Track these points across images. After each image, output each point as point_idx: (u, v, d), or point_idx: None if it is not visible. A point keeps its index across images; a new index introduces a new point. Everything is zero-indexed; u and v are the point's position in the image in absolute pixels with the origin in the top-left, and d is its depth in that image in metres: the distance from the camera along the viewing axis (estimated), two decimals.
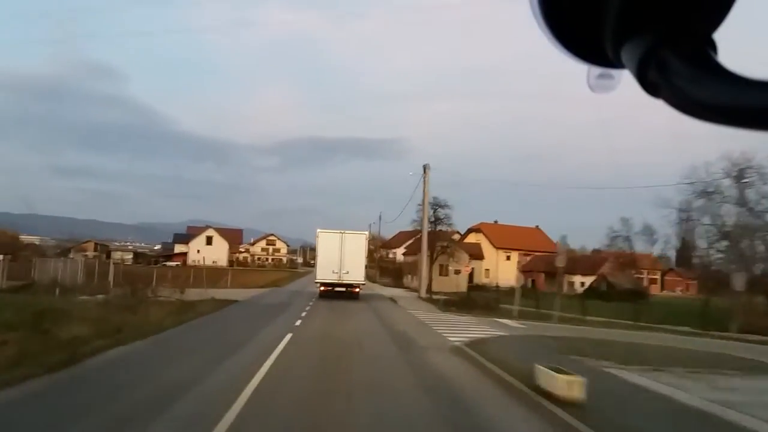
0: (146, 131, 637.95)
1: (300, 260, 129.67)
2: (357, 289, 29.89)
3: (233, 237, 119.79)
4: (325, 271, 29.46)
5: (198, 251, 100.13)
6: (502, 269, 54.86)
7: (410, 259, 53.16)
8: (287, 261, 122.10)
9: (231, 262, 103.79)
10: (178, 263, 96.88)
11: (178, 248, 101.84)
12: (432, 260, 43.43)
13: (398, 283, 53.61)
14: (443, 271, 44.83)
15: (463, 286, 44.54)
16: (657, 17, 0.62)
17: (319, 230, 30.24)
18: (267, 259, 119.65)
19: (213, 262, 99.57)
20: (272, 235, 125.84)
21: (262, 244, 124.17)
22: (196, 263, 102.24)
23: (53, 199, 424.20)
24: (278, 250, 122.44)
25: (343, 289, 29.23)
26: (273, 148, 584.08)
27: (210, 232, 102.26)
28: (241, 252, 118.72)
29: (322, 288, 29.62)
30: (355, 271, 29.57)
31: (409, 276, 52.93)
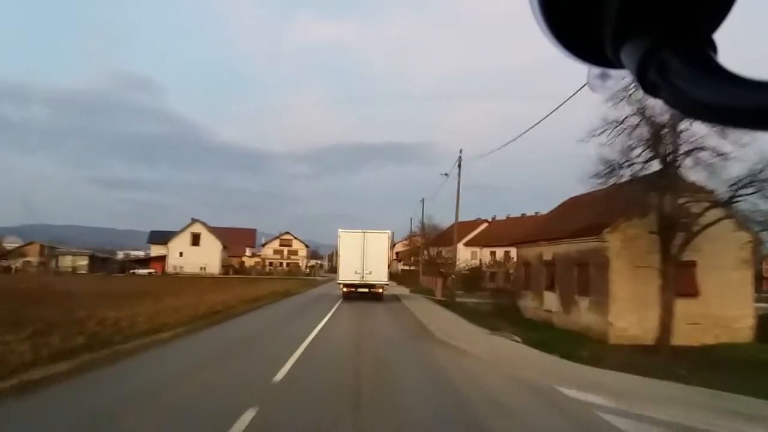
0: (185, 142, 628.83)
1: (326, 265, 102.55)
2: (380, 290, 29.22)
3: (244, 238, 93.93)
4: (348, 272, 28.76)
5: (180, 254, 73.50)
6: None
7: (550, 251, 23.67)
8: (308, 266, 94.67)
9: (227, 268, 76.96)
10: (153, 270, 70.51)
11: (155, 250, 75.28)
12: (668, 256, 14.55)
13: (503, 311, 24.77)
14: (688, 286, 15.53)
15: (742, 331, 15.06)
16: (657, 18, 0.61)
17: (340, 230, 29.34)
18: (281, 264, 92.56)
19: (201, 268, 72.78)
20: (287, 233, 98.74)
21: (275, 245, 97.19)
22: (179, 270, 75.83)
23: (97, 210, 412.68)
24: (295, 253, 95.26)
25: (366, 289, 28.71)
26: (308, 156, 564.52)
27: (197, 228, 75.62)
28: (252, 256, 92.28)
29: (345, 289, 29.01)
30: (378, 271, 28.66)
31: (540, 294, 23.54)
